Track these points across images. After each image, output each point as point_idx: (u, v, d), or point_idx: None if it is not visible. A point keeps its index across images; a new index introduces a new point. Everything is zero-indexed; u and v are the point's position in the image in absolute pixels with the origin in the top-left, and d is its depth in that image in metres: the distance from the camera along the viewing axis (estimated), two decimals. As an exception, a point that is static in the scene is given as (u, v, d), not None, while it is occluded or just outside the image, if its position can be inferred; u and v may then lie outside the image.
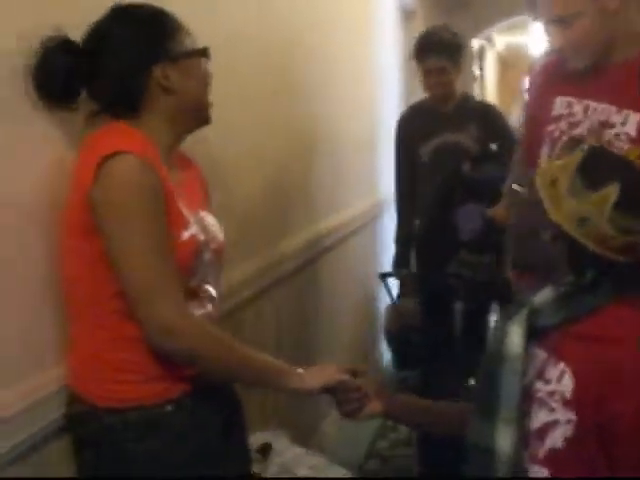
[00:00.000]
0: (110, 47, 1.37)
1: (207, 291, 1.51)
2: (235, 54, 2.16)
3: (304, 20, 2.90)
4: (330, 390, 1.52)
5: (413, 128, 3.24)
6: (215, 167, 1.96)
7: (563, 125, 1.85)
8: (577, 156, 1.29)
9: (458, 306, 3.33)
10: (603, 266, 1.27)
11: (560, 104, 1.86)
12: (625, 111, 1.72)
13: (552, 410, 1.27)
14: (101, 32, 1.38)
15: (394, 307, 3.66)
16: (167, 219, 1.33)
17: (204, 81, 1.45)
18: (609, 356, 1.23)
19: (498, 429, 1.29)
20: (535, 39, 9.57)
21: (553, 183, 1.28)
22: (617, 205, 1.23)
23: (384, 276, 3.57)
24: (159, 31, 1.39)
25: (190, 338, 1.33)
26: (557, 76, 1.93)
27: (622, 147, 1.69)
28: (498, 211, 2.58)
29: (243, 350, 1.42)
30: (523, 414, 1.29)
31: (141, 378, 1.36)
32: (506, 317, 1.35)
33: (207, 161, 1.70)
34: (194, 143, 1.58)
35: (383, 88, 4.37)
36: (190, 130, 1.48)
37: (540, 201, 1.29)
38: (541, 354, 1.31)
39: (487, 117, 3.20)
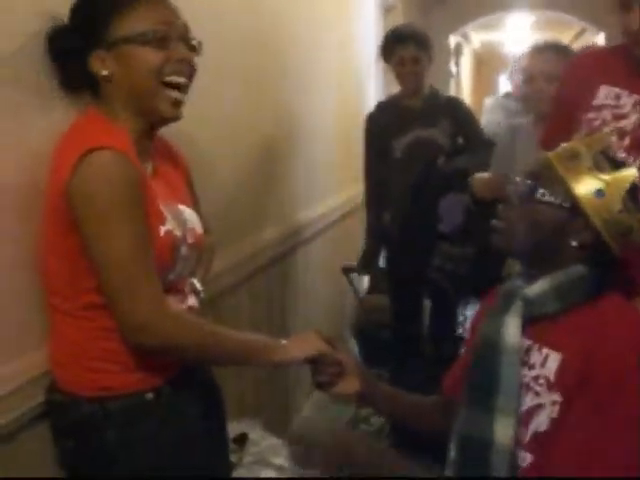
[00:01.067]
0: (67, 28, 1.34)
1: (192, 284, 1.51)
2: (215, 44, 2.16)
3: (286, 13, 2.90)
4: (310, 360, 1.49)
5: (384, 124, 3.24)
6: (192, 156, 1.95)
7: (607, 115, 1.82)
8: (604, 137, 1.36)
9: (427, 302, 3.36)
10: (601, 256, 1.32)
11: (605, 94, 1.82)
12: None
13: (537, 394, 1.29)
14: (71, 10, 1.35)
15: (361, 303, 3.68)
16: (145, 213, 1.31)
17: (147, 69, 1.31)
18: (596, 334, 1.26)
19: (497, 420, 1.29)
20: (510, 37, 9.69)
21: (574, 156, 1.32)
22: (632, 188, 1.30)
23: (347, 271, 3.57)
24: (102, 10, 1.31)
25: (164, 333, 1.31)
26: (605, 65, 1.89)
27: None
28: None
29: (223, 333, 1.40)
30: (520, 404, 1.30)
31: (121, 368, 1.35)
32: (500, 308, 1.36)
33: (184, 150, 1.69)
34: (170, 133, 1.56)
35: (362, 82, 4.39)
36: (153, 122, 1.39)
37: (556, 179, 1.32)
38: (524, 342, 1.33)
39: (457, 112, 3.23)
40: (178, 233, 1.39)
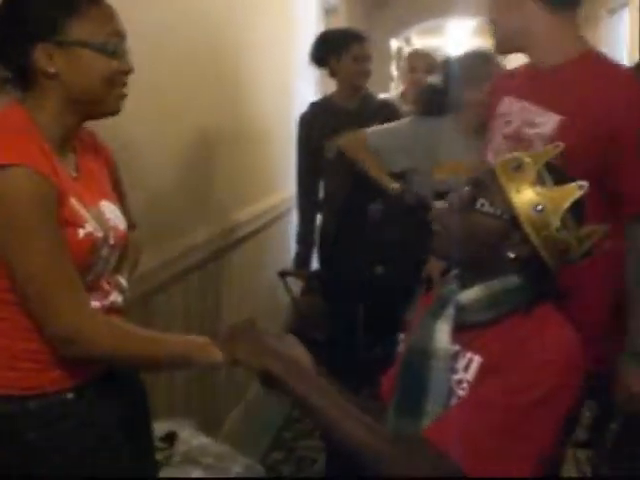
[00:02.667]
0: (8, 14, 1.31)
1: (117, 281, 1.50)
2: (154, 43, 2.15)
3: (224, 11, 2.90)
4: None
5: (317, 125, 3.25)
6: (125, 150, 1.93)
7: (500, 122, 1.92)
8: (550, 151, 1.34)
9: (361, 305, 3.35)
10: (537, 270, 1.31)
11: (506, 103, 1.92)
12: (549, 113, 1.78)
13: (459, 398, 1.29)
14: None
15: (295, 304, 3.66)
16: (61, 220, 1.29)
17: (100, 77, 1.33)
18: (517, 342, 1.26)
19: (425, 424, 1.28)
20: (451, 42, 9.85)
21: (518, 168, 1.31)
22: (572, 205, 1.29)
23: (283, 274, 3.56)
24: (60, 9, 1.30)
25: (96, 344, 1.31)
26: (512, 76, 2.03)
27: (540, 147, 1.72)
28: (435, 266, 2.65)
29: (155, 338, 1.39)
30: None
31: (41, 366, 1.34)
32: (433, 313, 1.36)
33: (116, 144, 1.67)
34: (102, 127, 1.54)
35: (301, 83, 4.40)
36: (88, 119, 1.42)
37: (496, 188, 1.31)
38: (454, 348, 1.32)
39: (390, 115, 3.26)
40: (99, 234, 1.37)
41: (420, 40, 10.80)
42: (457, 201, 1.36)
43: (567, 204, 1.28)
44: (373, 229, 2.95)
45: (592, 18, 6.40)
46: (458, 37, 9.45)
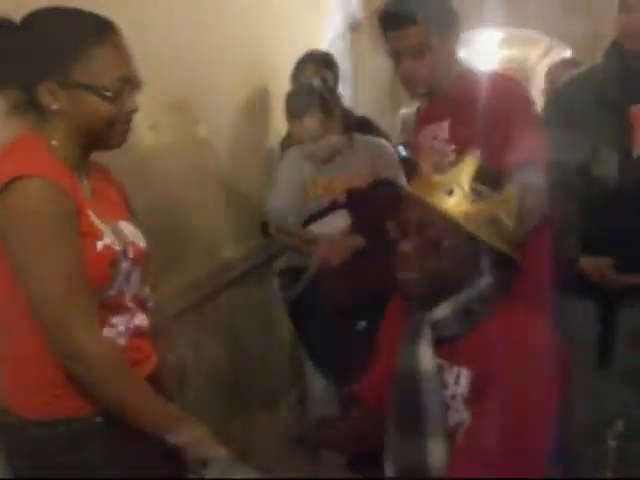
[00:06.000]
0: (25, 45, 1.31)
1: (140, 299, 1.50)
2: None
3: (249, 29, 2.92)
4: None
5: None
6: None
7: (420, 149, 2.25)
8: (468, 166, 1.34)
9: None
10: (507, 267, 1.35)
11: (419, 133, 2.26)
12: (443, 122, 2.14)
13: (457, 411, 1.33)
14: (24, 25, 1.32)
15: None
16: (79, 233, 1.30)
17: (101, 118, 1.34)
18: (500, 348, 1.28)
19: (428, 445, 1.33)
20: (479, 54, 9.79)
21: (451, 192, 1.32)
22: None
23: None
24: (68, 49, 1.30)
25: (95, 367, 1.29)
26: (418, 111, 2.47)
27: (444, 150, 2.10)
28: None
29: (146, 392, 1.36)
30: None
31: (69, 391, 1.34)
32: (411, 336, 1.38)
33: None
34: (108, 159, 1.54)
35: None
36: (92, 150, 1.43)
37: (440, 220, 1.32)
38: (437, 361, 1.36)
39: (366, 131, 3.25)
40: (117, 247, 1.38)
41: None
42: (417, 247, 1.35)
43: (516, 204, 1.34)
44: None
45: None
46: (485, 48, 9.41)
